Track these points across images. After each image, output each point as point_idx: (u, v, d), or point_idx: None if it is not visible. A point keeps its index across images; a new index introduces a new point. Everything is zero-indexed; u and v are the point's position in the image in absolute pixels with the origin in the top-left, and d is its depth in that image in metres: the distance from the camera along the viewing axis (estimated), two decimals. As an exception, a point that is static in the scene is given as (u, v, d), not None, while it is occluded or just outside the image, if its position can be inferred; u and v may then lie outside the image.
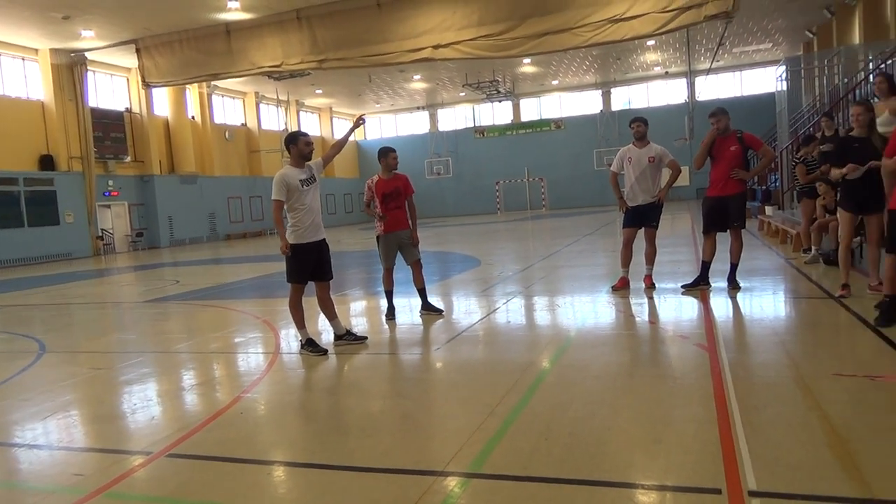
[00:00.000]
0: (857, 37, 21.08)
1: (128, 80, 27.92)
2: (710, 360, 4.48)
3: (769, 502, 2.48)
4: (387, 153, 6.84)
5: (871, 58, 16.96)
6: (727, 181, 6.85)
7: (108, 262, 21.24)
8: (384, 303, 7.16)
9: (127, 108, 27.94)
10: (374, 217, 6.90)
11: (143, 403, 4.51)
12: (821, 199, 8.59)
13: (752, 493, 2.53)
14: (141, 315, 9.13)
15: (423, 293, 7.01)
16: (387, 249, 6.92)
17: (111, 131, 26.75)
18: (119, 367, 5.67)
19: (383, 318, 6.95)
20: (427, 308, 7.00)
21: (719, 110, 6.94)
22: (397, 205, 6.82)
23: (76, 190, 24.52)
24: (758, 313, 6.13)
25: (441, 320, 6.69)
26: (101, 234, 25.72)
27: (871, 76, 14.53)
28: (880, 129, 6.21)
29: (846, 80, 17.27)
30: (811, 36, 27.82)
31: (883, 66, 13.73)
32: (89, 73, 24.87)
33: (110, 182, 26.65)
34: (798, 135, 15.89)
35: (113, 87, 27.64)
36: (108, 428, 4.04)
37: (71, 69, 24.00)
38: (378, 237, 6.94)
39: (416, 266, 6.97)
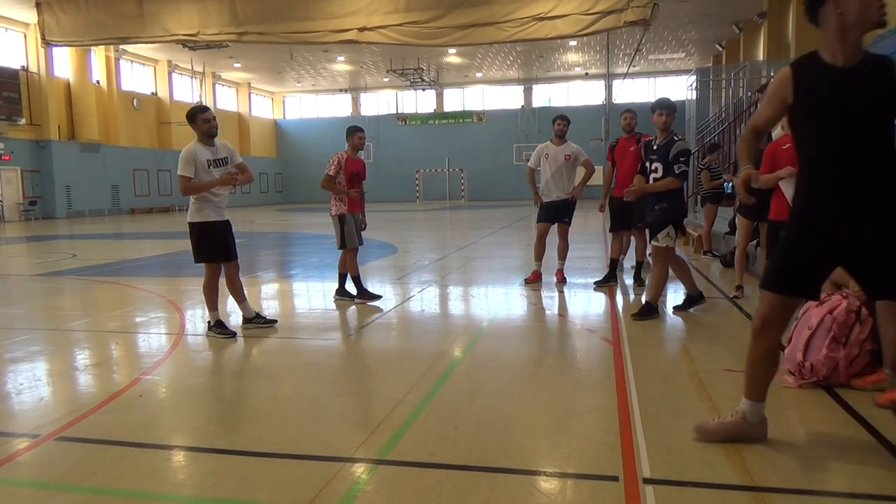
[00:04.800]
0: (761, 53, 22.44)
1: (25, 36, 25.90)
2: (613, 354, 4.67)
3: (661, 489, 2.62)
4: (354, 132, 6.67)
5: (772, 74, 18.09)
6: (630, 182, 7.13)
7: (-5, 232, 19.74)
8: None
9: (23, 67, 25.92)
10: (336, 194, 6.61)
11: (30, 383, 4.22)
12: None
13: (647, 481, 2.67)
14: (31, 289, 8.54)
15: (359, 279, 6.81)
16: (353, 229, 6.69)
17: (4, 90, 24.76)
18: (4, 344, 5.28)
19: (333, 300, 6.75)
20: (364, 294, 6.78)
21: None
22: (360, 186, 6.68)
23: (-40, 150, 22.62)
24: (660, 310, 6.44)
25: (354, 307, 6.62)
26: (-12, 200, 23.88)
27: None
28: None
29: (749, 93, 18.34)
30: (721, 49, 29.41)
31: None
32: (-19, 26, 22.92)
33: (1, 145, 24.70)
34: (704, 143, 16.76)
35: (7, 42, 25.57)
36: (-11, 409, 3.76)
37: (-40, 19, 22.02)
38: (342, 216, 6.64)
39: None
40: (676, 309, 6.02)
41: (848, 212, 2.63)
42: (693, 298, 6.02)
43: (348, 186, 6.56)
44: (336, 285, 6.92)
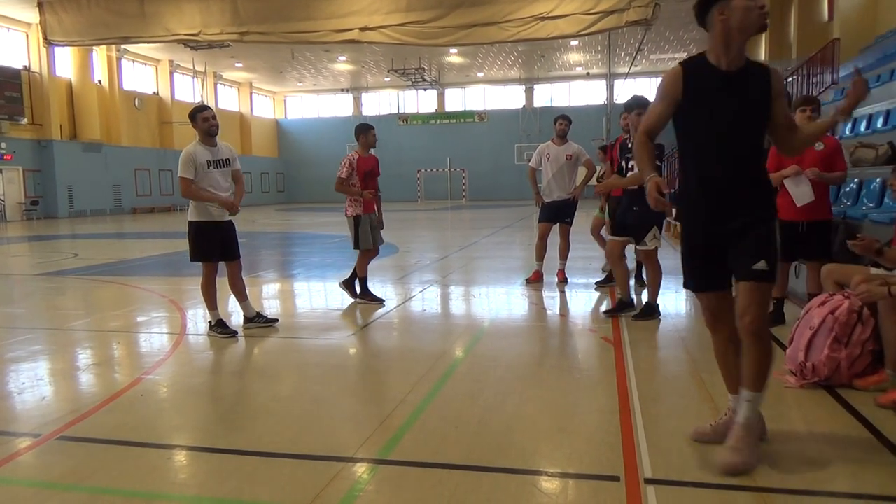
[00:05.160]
0: (763, 53, 22.41)
1: (27, 35, 25.94)
2: (615, 354, 4.67)
3: (663, 489, 2.62)
4: (367, 130, 6.61)
5: (774, 74, 18.07)
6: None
7: (-3, 231, 19.76)
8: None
9: (25, 67, 25.95)
10: (350, 195, 6.54)
11: (32, 383, 4.22)
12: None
13: (648, 481, 2.67)
14: (33, 289, 8.55)
15: (365, 280, 6.76)
16: (369, 230, 6.61)
17: (6, 90, 24.78)
18: (5, 344, 5.28)
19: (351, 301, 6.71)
20: (367, 295, 6.75)
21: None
22: (374, 185, 6.61)
23: (-38, 150, 22.65)
24: (661, 310, 6.43)
25: (357, 307, 6.62)
26: (-10, 199, 23.92)
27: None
28: None
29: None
30: (722, 49, 29.34)
31: (784, 82, 14.67)
32: (-17, 26, 22.96)
33: (3, 144, 24.72)
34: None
35: (10, 42, 25.60)
36: (-9, 408, 3.76)
37: (-38, 19, 22.06)
38: (357, 217, 6.57)
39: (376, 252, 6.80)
40: (608, 313, 5.94)
41: (711, 207, 2.81)
42: (624, 304, 5.91)
43: (362, 186, 6.51)
44: (361, 288, 6.81)
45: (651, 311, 5.72)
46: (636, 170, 5.47)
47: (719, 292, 2.91)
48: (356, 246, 6.64)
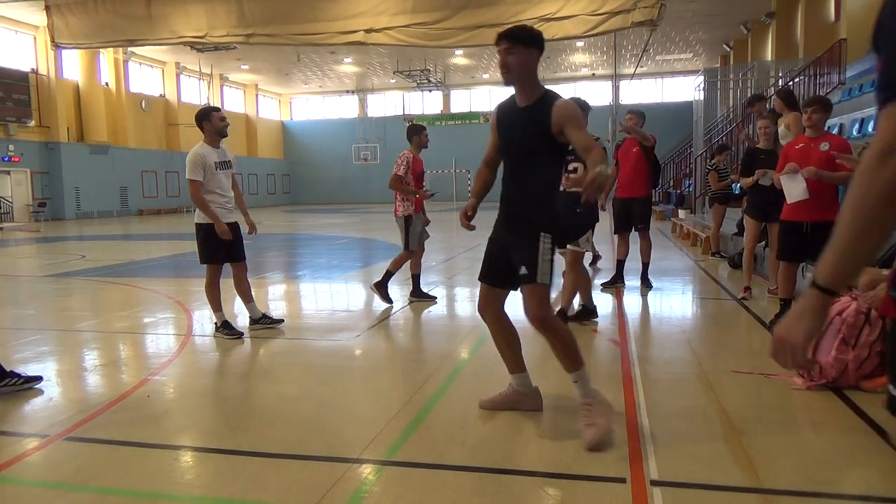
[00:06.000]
0: (769, 53, 22.34)
1: (35, 38, 26.08)
2: (620, 355, 4.66)
3: (669, 491, 2.61)
4: (420, 131, 6.64)
5: (780, 74, 18.01)
6: (632, 183, 7.15)
7: (5, 233, 19.86)
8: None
9: (32, 69, 26.09)
10: (403, 194, 6.53)
11: (39, 384, 4.24)
12: None
13: (654, 483, 2.66)
14: (41, 290, 8.59)
15: (389, 277, 6.72)
16: (418, 230, 6.64)
17: (14, 92, 24.91)
18: (13, 345, 5.31)
19: (391, 303, 6.64)
20: (419, 294, 6.78)
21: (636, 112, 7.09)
22: (421, 185, 6.65)
23: (-29, 152, 22.78)
24: (667, 312, 6.42)
25: (361, 308, 6.63)
26: (-2, 202, 24.05)
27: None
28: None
29: (758, 93, 18.25)
30: (728, 50, 29.28)
31: (791, 82, 14.61)
32: (-9, 28, 23.09)
33: (11, 147, 24.87)
34: (712, 143, 16.69)
35: (18, 44, 25.75)
36: (-1, 409, 3.78)
37: (-30, 22, 22.19)
38: (409, 217, 6.61)
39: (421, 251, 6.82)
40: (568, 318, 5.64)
41: (501, 220, 3.54)
42: (588, 311, 5.75)
43: (416, 185, 6.51)
44: (412, 286, 6.89)
45: (588, 313, 5.65)
46: (579, 172, 5.28)
47: (496, 288, 3.66)
48: (407, 247, 6.65)
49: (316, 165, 44.63)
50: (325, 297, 7.65)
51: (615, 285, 7.36)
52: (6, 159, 24.64)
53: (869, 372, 3.69)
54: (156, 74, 33.86)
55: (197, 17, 17.65)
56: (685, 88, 35.94)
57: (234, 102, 40.14)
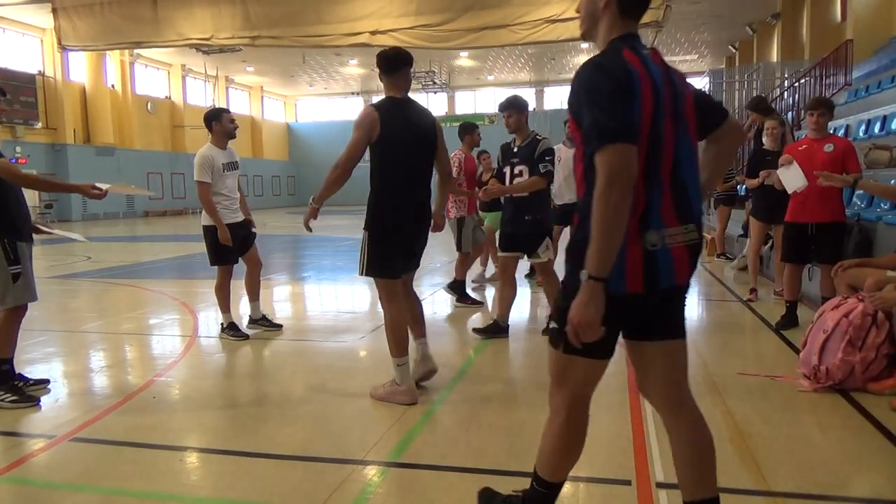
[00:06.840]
0: (775, 54, 22.26)
1: (42, 41, 26.20)
2: (626, 357, 4.63)
3: (675, 494, 2.59)
4: (472, 129, 6.51)
5: (786, 75, 17.94)
6: None
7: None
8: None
9: (39, 72, 26.21)
10: (455, 195, 6.31)
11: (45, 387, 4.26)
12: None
13: (660, 485, 2.65)
14: (47, 291, 8.60)
15: (463, 284, 6.58)
16: (470, 232, 6.50)
17: (21, 94, 24.99)
18: (20, 346, 5.30)
19: (451, 305, 6.59)
20: (465, 299, 6.72)
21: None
22: (473, 186, 6.51)
23: (-22, 155, 22.88)
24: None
25: (366, 308, 6.63)
26: (5, 203, 24.14)
27: (784, 93, 15.40)
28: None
29: (763, 94, 18.21)
30: (734, 51, 29.20)
31: (796, 83, 14.57)
32: (-1, 31, 23.21)
33: (18, 148, 24.98)
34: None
35: (25, 47, 25.88)
36: (5, 410, 3.80)
37: (-22, 25, 22.30)
38: (462, 219, 6.46)
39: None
40: (476, 330, 5.46)
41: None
42: (499, 327, 5.32)
43: (467, 187, 6.40)
44: (456, 291, 6.81)
45: (498, 329, 5.29)
46: (525, 175, 5.02)
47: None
48: (459, 248, 6.56)
49: (321, 167, 44.45)
50: (331, 299, 7.67)
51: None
52: (13, 161, 24.64)
53: (876, 374, 3.67)
54: (162, 76, 33.97)
55: (203, 20, 17.72)
56: (690, 90, 35.88)
57: (239, 104, 40.24)
